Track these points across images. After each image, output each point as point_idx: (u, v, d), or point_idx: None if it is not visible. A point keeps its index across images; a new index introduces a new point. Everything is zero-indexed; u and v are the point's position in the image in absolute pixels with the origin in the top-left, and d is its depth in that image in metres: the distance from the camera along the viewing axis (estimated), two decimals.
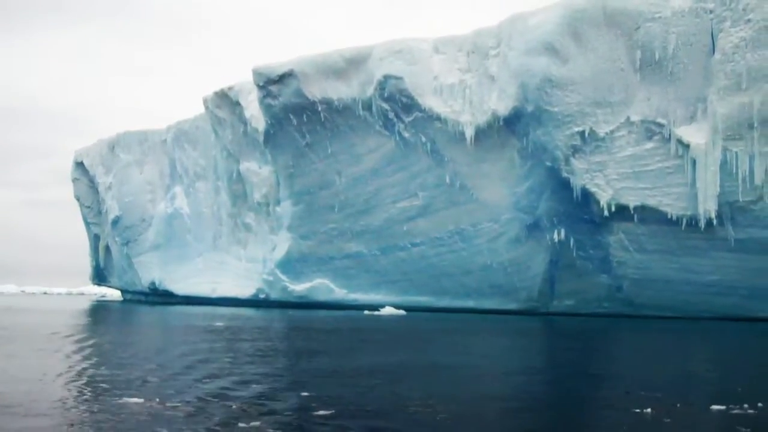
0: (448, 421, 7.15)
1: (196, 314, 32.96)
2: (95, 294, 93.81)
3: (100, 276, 64.25)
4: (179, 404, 8.04)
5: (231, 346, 15.93)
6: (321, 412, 7.61)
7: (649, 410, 7.45)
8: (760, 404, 7.69)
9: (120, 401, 8.18)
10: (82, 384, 9.71)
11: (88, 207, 60.89)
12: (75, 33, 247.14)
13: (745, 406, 7.61)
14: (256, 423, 7.04)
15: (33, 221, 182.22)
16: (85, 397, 8.61)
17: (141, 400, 8.20)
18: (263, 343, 16.87)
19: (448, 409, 7.78)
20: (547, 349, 17.14)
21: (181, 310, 39.07)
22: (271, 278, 41.51)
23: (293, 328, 23.40)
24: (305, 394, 8.80)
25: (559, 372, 12.17)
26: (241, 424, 6.97)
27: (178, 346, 16.43)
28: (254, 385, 9.60)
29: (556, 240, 31.63)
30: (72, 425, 6.86)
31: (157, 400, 8.27)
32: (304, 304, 40.61)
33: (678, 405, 7.89)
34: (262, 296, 42.91)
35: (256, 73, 38.65)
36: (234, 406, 7.99)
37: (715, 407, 7.57)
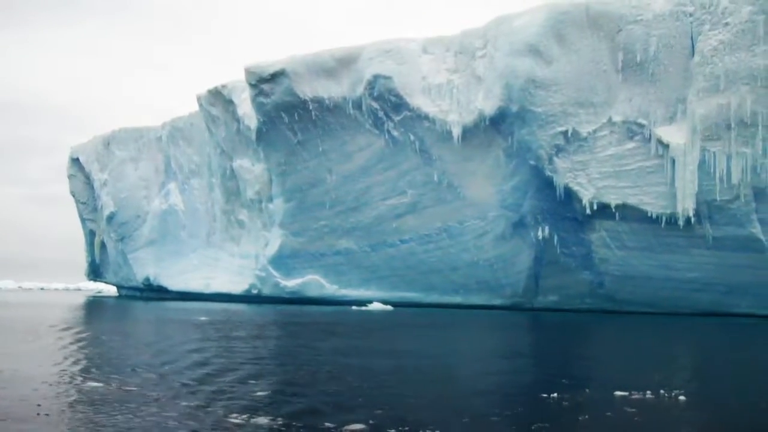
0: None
1: (186, 309, 33.58)
2: (92, 290, 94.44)
3: (95, 272, 64.60)
4: (134, 388, 8.75)
5: (204, 338, 16.56)
6: (260, 393, 8.30)
7: (555, 395, 8.04)
8: (662, 391, 8.28)
9: (84, 385, 8.94)
10: (54, 370, 10.50)
11: (84, 203, 61.30)
12: (77, 29, 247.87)
13: (648, 392, 8.20)
14: (198, 402, 7.69)
15: (33, 217, 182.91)
16: (53, 381, 9.38)
17: (102, 384, 8.94)
18: (238, 337, 17.48)
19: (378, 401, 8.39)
20: (511, 342, 17.69)
21: (173, 305, 39.66)
22: (263, 274, 42.10)
23: (273, 323, 24.04)
24: (253, 381, 9.46)
25: (501, 361, 12.69)
26: (183, 403, 7.64)
27: (155, 338, 17.09)
28: (210, 372, 10.25)
29: (541, 237, 32.25)
30: (40, 405, 7.58)
31: (114, 384, 8.97)
32: (296, 300, 41.16)
33: (587, 390, 8.49)
34: (254, 292, 43.43)
35: (249, 72, 39.17)
36: (184, 390, 8.64)
37: (618, 393, 8.16)
